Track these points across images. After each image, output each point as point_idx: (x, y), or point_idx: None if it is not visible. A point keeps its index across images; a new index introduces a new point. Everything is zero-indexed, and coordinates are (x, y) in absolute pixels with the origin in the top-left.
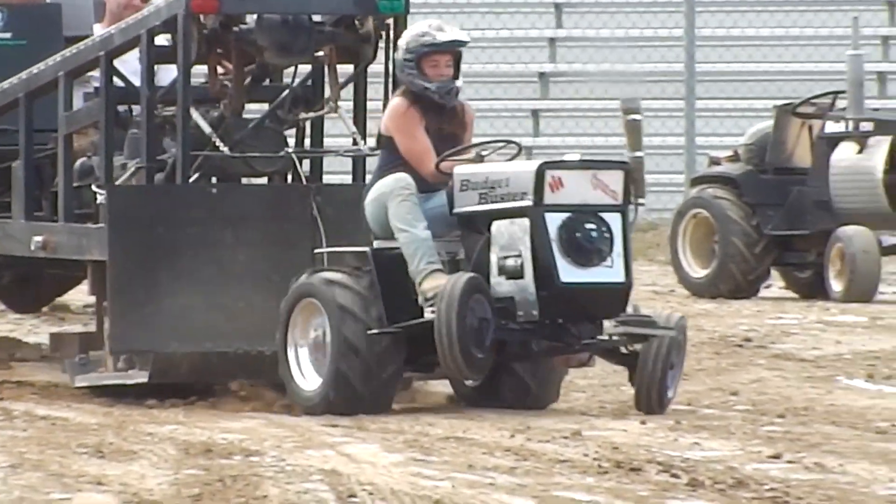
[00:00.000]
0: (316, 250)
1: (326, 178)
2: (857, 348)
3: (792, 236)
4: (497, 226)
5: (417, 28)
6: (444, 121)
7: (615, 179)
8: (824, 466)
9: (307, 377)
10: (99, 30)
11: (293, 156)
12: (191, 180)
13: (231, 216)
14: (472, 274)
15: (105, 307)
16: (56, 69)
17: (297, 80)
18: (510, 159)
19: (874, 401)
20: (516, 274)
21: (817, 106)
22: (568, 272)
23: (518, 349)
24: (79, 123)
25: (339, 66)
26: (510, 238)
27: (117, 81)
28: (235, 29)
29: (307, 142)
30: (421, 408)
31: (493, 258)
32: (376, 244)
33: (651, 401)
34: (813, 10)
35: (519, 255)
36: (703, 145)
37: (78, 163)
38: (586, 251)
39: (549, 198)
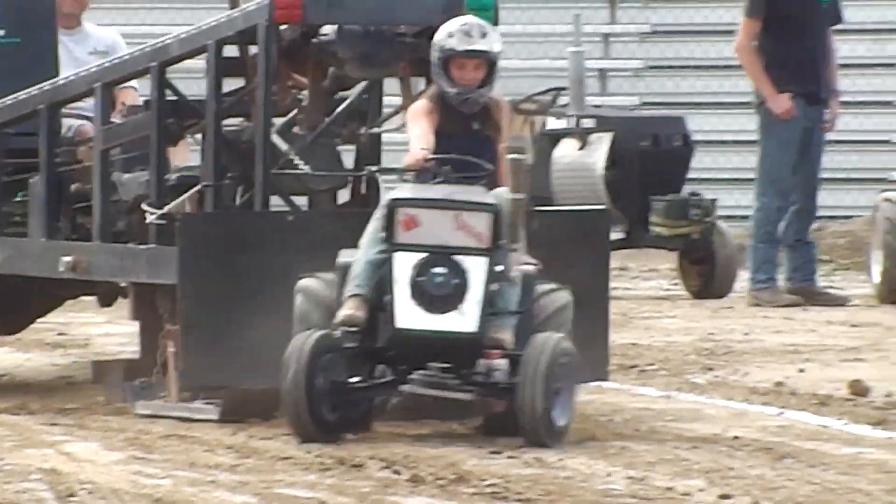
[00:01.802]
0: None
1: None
2: None
3: None
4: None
5: (449, 26)
6: (474, 122)
7: (481, 222)
8: (544, 461)
9: None
10: None
11: (376, 175)
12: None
13: (307, 244)
14: (324, 332)
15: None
16: (92, 79)
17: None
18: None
19: (593, 396)
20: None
21: (539, 102)
22: (409, 316)
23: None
24: (121, 137)
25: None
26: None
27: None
28: (314, 40)
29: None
30: None
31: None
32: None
33: (538, 433)
34: (535, 8)
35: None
36: None
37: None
38: (429, 297)
39: (402, 236)
